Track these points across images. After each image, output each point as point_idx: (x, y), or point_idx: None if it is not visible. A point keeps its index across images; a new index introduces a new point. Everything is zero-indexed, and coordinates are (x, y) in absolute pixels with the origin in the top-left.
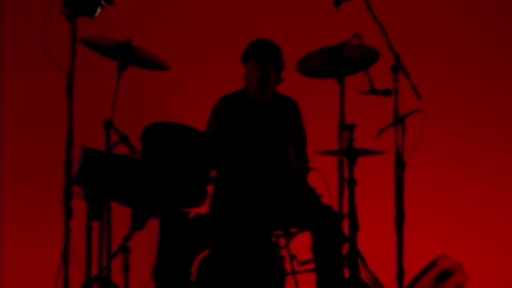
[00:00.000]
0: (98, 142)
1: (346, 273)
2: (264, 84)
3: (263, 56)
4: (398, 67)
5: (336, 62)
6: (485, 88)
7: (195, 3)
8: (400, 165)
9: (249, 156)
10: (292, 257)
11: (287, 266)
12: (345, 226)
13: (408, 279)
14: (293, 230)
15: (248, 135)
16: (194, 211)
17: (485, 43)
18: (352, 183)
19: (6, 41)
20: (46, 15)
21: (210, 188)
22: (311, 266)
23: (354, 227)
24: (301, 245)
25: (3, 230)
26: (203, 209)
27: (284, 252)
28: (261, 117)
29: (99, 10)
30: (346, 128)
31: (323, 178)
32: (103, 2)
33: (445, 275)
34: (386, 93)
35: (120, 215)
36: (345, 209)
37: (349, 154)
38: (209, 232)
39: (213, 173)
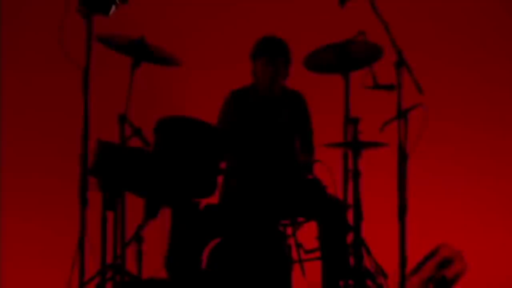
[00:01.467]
0: (112, 135)
1: (351, 261)
2: (274, 80)
3: (274, 52)
4: (401, 63)
5: (342, 58)
6: (485, 81)
7: (205, 2)
8: (402, 157)
9: (257, 148)
10: (299, 245)
11: (294, 254)
12: (350, 216)
13: (410, 266)
14: (299, 219)
15: (257, 128)
16: (204, 201)
17: (486, 38)
18: (356, 174)
19: (22, 38)
20: (62, 13)
21: (219, 179)
22: (317, 254)
23: (359, 217)
24: (307, 234)
25: (21, 220)
26: (213, 199)
27: (291, 241)
28: (270, 111)
29: (113, 8)
30: (351, 122)
31: (328, 170)
32: (117, 1)
33: (446, 262)
34: (390, 88)
35: (134, 205)
36: (350, 200)
37: (354, 146)
38: (219, 222)
39: (222, 165)
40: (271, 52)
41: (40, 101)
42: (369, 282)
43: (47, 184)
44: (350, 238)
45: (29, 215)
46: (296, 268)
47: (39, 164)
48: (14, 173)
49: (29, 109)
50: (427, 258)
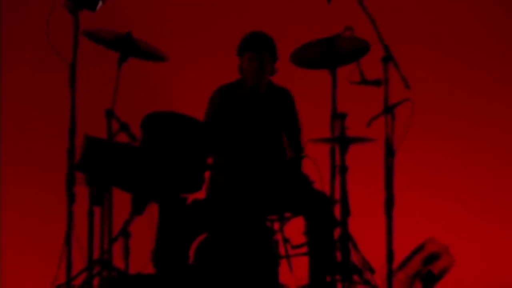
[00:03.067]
0: (99, 130)
1: (338, 256)
2: (260, 74)
3: (259, 47)
4: (388, 58)
5: (329, 54)
6: (474, 76)
7: None
8: (389, 152)
9: (244, 144)
10: (286, 241)
11: (281, 250)
12: (337, 211)
13: (397, 261)
14: (287, 215)
15: (244, 124)
16: (192, 197)
17: (472, 33)
18: (343, 169)
19: (9, 33)
20: (49, 8)
21: (207, 174)
22: (304, 249)
23: (346, 212)
24: (295, 229)
25: (8, 215)
26: (200, 194)
27: (278, 236)
28: (257, 107)
29: (100, 3)
30: (338, 117)
31: (316, 165)
32: None
33: (433, 257)
34: (377, 83)
35: (121, 201)
36: (337, 195)
37: (341, 142)
38: (206, 217)
39: (210, 160)
40: (256, 47)
41: (27, 96)
42: (356, 277)
43: (35, 179)
44: (337, 233)
45: (16, 210)
46: (283, 264)
47: (27, 159)
48: (7, 169)
49: (18, 104)
50: (414, 253)
